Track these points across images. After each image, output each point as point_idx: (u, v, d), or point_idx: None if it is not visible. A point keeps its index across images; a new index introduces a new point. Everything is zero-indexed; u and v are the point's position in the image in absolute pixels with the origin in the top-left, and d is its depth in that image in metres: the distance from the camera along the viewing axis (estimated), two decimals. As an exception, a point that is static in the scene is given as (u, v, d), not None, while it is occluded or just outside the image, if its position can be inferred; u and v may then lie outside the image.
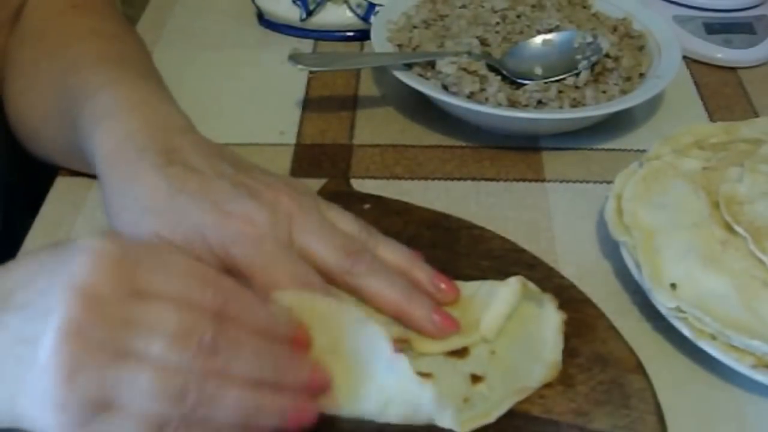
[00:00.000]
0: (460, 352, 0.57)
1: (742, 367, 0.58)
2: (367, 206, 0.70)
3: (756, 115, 0.87)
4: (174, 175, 0.59)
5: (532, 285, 0.60)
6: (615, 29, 0.89)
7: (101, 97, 0.65)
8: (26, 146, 0.78)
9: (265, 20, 1.00)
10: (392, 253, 0.60)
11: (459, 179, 0.77)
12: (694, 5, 0.98)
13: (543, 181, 0.77)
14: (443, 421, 0.52)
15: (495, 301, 0.58)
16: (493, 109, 0.78)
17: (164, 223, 0.58)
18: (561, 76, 0.82)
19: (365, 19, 0.95)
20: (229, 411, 0.47)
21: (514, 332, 0.58)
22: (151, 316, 0.47)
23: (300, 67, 0.82)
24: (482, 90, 0.80)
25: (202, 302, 0.48)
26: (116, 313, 0.46)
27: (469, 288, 0.60)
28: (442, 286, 0.60)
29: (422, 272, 0.60)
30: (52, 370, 0.44)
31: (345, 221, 0.61)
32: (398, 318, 0.57)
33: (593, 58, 0.83)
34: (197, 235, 0.57)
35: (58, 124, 0.71)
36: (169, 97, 0.68)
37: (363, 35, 0.96)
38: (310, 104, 0.88)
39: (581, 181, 0.77)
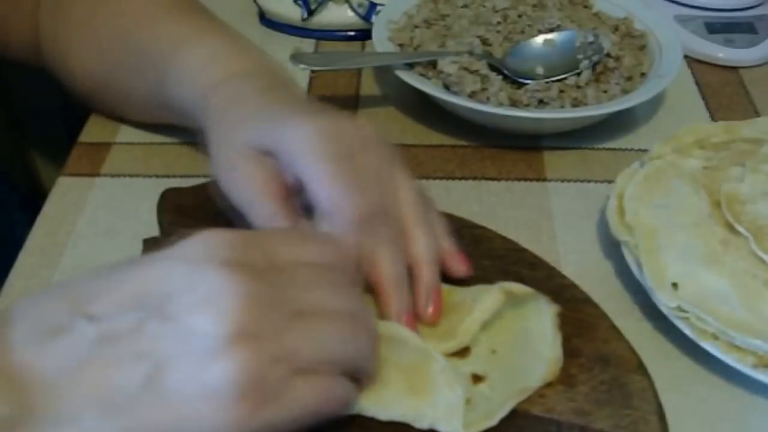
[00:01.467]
0: (461, 353, 0.57)
1: (744, 366, 0.58)
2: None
3: (757, 114, 0.87)
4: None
5: (519, 288, 0.59)
6: (616, 29, 0.89)
7: (200, 44, 0.68)
8: (89, 103, 0.81)
9: (266, 20, 1.00)
10: (422, 237, 0.59)
11: (460, 179, 0.77)
12: (696, 5, 0.98)
13: (544, 180, 0.77)
14: (449, 427, 0.53)
15: (476, 307, 0.57)
16: (495, 108, 0.78)
17: None
18: (562, 76, 0.82)
19: (367, 18, 0.95)
20: None
21: (512, 330, 0.58)
22: (299, 283, 0.48)
23: (301, 66, 0.82)
24: (484, 89, 0.80)
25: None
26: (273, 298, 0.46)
27: (458, 294, 0.60)
28: (429, 310, 0.58)
29: (426, 278, 0.58)
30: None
31: (407, 187, 0.60)
32: (373, 289, 0.57)
33: (594, 58, 0.83)
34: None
35: (129, 76, 0.73)
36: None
37: (364, 35, 0.96)
38: (311, 104, 0.88)
39: (582, 181, 0.77)
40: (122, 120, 0.81)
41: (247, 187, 0.59)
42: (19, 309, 0.46)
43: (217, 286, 0.44)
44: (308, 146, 0.57)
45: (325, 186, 0.56)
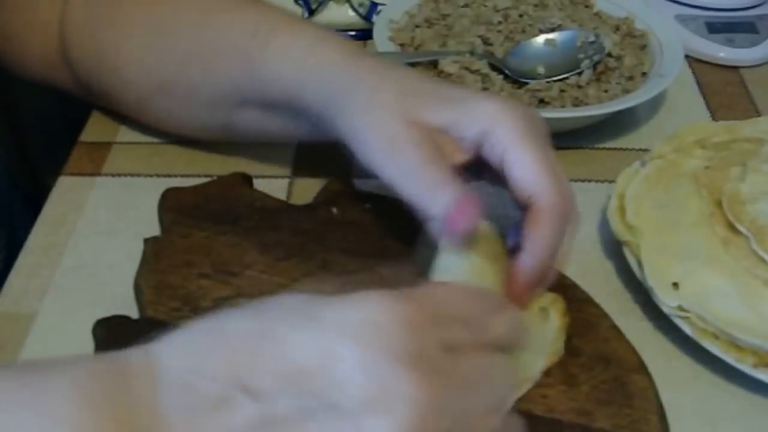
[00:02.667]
0: None
1: (744, 366, 0.58)
2: (368, 206, 0.70)
3: (758, 114, 0.87)
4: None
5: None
6: (617, 28, 0.89)
7: (293, 29, 0.67)
8: (135, 114, 0.78)
9: (267, 19, 1.00)
10: None
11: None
12: (697, 4, 0.98)
13: (545, 180, 0.77)
14: None
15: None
16: (496, 108, 0.78)
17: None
18: (563, 75, 0.82)
19: (367, 18, 0.95)
20: None
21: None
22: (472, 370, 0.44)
23: (302, 66, 0.82)
24: (485, 89, 0.80)
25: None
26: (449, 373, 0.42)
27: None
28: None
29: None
30: None
31: None
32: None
33: (595, 58, 0.83)
34: None
35: (202, 70, 0.70)
36: None
37: (365, 34, 0.96)
38: (312, 103, 0.87)
39: (583, 180, 0.77)
40: (126, 120, 0.81)
41: (413, 154, 0.58)
42: (168, 357, 0.42)
43: (393, 388, 0.40)
44: (517, 130, 0.57)
45: (535, 170, 0.57)
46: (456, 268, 0.54)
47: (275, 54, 0.66)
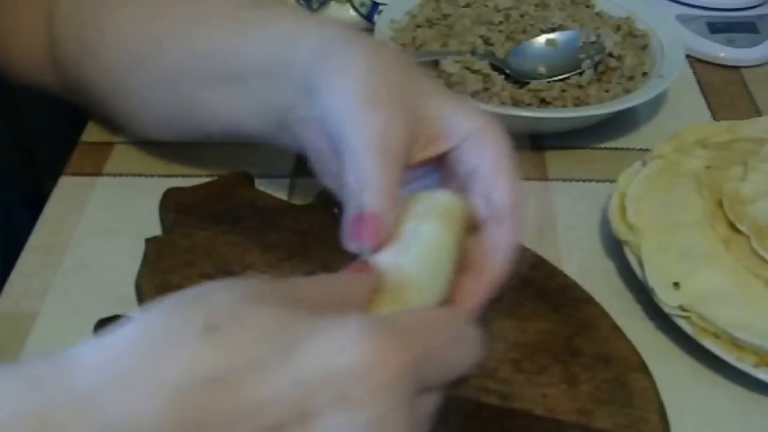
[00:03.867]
0: None
1: (745, 365, 0.58)
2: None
3: (759, 114, 0.87)
4: None
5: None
6: (618, 28, 0.89)
7: (286, 14, 0.65)
8: (110, 106, 0.74)
9: (268, 19, 1.00)
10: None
11: (462, 178, 0.77)
12: (698, 4, 0.98)
13: (546, 180, 0.77)
14: None
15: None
16: (497, 108, 0.78)
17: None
18: (564, 75, 0.82)
19: (369, 18, 0.95)
20: None
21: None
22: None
23: (303, 66, 0.82)
24: (486, 89, 0.80)
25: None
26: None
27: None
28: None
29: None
30: None
31: None
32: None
33: (596, 57, 0.83)
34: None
35: (185, 38, 0.67)
36: None
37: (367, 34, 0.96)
38: (313, 103, 0.88)
39: (584, 180, 0.77)
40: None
41: (378, 130, 0.54)
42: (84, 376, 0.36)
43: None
44: (502, 143, 0.57)
45: (509, 188, 0.55)
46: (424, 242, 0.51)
47: (268, 17, 0.64)
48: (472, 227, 0.54)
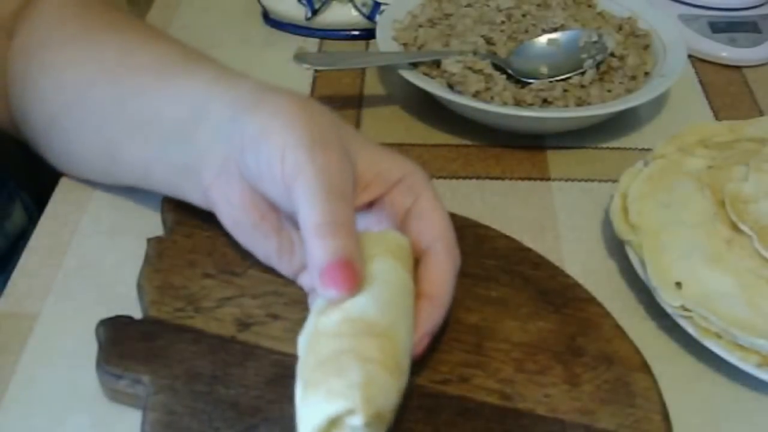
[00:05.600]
0: None
1: (747, 365, 0.58)
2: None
3: (761, 114, 0.87)
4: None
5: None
6: (620, 28, 0.89)
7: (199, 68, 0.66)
8: (40, 146, 0.75)
9: (270, 19, 1.00)
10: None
11: (464, 178, 0.77)
12: (700, 4, 0.98)
13: (548, 179, 0.77)
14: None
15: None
16: (499, 107, 0.78)
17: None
18: (566, 75, 0.82)
19: (370, 18, 0.95)
20: None
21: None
22: None
23: (305, 66, 0.82)
24: (488, 89, 0.80)
25: None
26: None
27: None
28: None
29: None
30: None
31: None
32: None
33: (598, 57, 0.83)
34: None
35: (106, 87, 0.68)
36: None
37: (368, 34, 0.96)
38: (315, 103, 0.88)
39: (586, 180, 0.77)
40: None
41: (330, 171, 0.55)
42: None
43: None
44: (428, 181, 0.61)
45: (443, 221, 0.59)
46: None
47: (191, 70, 0.66)
48: (415, 262, 0.57)
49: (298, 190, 0.54)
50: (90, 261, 0.68)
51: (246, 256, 0.64)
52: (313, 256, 0.52)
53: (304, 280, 0.61)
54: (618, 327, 0.61)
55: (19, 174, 0.88)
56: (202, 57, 0.68)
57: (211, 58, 0.69)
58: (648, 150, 0.74)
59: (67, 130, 0.71)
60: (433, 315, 0.55)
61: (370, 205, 0.60)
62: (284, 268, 0.61)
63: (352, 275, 0.52)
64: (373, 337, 0.50)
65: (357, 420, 0.47)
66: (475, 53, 0.83)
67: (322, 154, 0.55)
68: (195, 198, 0.63)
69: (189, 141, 0.62)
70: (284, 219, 0.60)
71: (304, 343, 0.52)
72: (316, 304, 0.54)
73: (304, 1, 0.95)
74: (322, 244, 0.52)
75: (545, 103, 0.80)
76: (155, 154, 0.65)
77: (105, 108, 0.67)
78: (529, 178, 0.78)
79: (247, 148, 0.57)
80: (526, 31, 0.87)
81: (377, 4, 0.95)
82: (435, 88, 0.80)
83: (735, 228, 0.63)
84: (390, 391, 0.50)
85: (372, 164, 0.59)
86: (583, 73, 0.82)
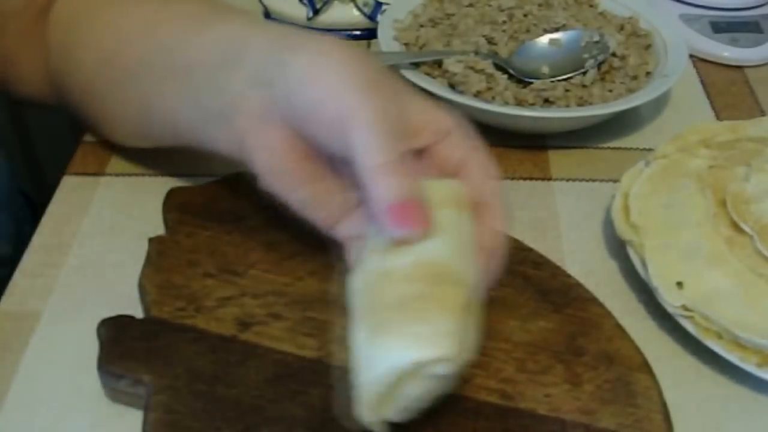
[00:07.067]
0: None
1: (748, 365, 0.58)
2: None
3: (762, 114, 0.87)
4: None
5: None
6: (622, 28, 0.89)
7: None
8: (83, 107, 0.75)
9: (271, 19, 1.00)
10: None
11: (465, 178, 0.77)
12: (701, 4, 0.98)
13: (549, 179, 0.77)
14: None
15: None
16: (500, 107, 0.78)
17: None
18: (568, 75, 0.82)
19: (372, 17, 0.95)
20: None
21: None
22: None
23: (306, 65, 0.82)
24: (489, 89, 0.80)
25: None
26: None
27: None
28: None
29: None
30: None
31: None
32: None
33: (600, 57, 0.83)
34: None
35: (145, 39, 0.67)
36: None
37: (370, 34, 0.96)
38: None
39: (588, 180, 0.77)
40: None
41: (389, 118, 0.53)
42: None
43: None
44: (474, 137, 0.59)
45: (493, 174, 0.58)
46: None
47: (226, 18, 0.64)
48: None
49: (354, 130, 0.51)
50: (91, 260, 0.68)
51: (247, 254, 0.64)
52: (378, 195, 0.50)
53: (342, 231, 0.58)
54: (619, 327, 0.61)
55: (22, 173, 0.88)
56: (237, 9, 0.67)
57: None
58: (649, 150, 0.74)
59: (102, 93, 0.71)
60: (490, 270, 0.54)
61: (417, 156, 0.56)
62: (321, 218, 0.58)
63: (422, 213, 0.50)
64: (450, 285, 0.49)
65: (444, 369, 0.46)
66: (476, 53, 0.83)
67: (377, 94, 0.53)
68: (228, 147, 0.60)
69: (224, 87, 0.59)
70: (323, 166, 0.57)
71: (360, 284, 0.51)
72: (370, 245, 0.52)
73: (306, 1, 0.95)
74: (388, 182, 0.50)
75: (547, 102, 0.80)
76: (188, 105, 0.63)
77: (138, 64, 0.67)
78: (531, 178, 0.78)
79: (292, 89, 0.55)
80: (528, 31, 0.87)
81: (379, 4, 0.95)
82: (436, 87, 0.80)
83: (736, 228, 0.63)
84: (470, 343, 0.49)
85: (422, 112, 0.57)
86: (584, 73, 0.82)
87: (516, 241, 0.67)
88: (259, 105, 0.57)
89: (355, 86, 0.53)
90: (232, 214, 0.68)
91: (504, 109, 0.77)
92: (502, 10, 0.89)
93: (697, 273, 0.61)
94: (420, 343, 0.46)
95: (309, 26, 0.97)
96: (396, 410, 0.49)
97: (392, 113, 0.53)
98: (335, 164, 0.56)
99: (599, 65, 0.83)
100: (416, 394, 0.48)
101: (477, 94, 0.79)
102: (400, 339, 0.47)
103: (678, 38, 0.88)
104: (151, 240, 0.66)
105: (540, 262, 0.66)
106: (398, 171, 0.50)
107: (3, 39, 0.77)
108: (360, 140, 0.51)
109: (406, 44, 0.86)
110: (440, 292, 0.48)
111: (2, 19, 0.76)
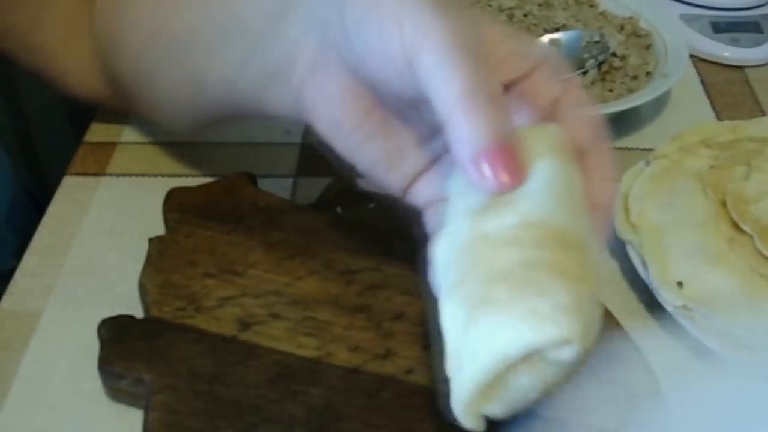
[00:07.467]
0: None
1: (749, 365, 0.58)
2: (372, 205, 0.70)
3: (763, 113, 0.87)
4: None
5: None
6: (622, 28, 0.89)
7: None
8: (133, 85, 0.71)
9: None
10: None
11: (465, 178, 0.77)
12: (701, 4, 0.98)
13: (549, 179, 0.77)
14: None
15: None
16: (500, 107, 0.78)
17: None
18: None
19: (372, 18, 0.95)
20: None
21: None
22: None
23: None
24: (489, 89, 0.80)
25: None
26: None
27: None
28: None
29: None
30: None
31: None
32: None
33: (600, 57, 0.83)
34: None
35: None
36: None
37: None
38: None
39: (588, 180, 0.77)
40: (130, 120, 0.81)
41: (466, 46, 0.44)
42: None
43: None
44: (566, 73, 0.52)
45: (593, 113, 0.51)
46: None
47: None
48: None
49: (426, 57, 0.43)
50: (92, 260, 0.68)
51: (247, 254, 0.64)
52: (463, 136, 0.42)
53: (418, 195, 0.52)
54: (619, 326, 0.61)
55: (22, 174, 0.88)
56: None
57: None
58: (649, 150, 0.74)
59: (152, 72, 0.68)
60: (603, 230, 0.47)
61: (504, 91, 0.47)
62: (393, 179, 0.52)
63: (518, 161, 0.43)
64: (567, 249, 0.41)
65: (569, 353, 0.39)
66: (476, 53, 0.82)
67: (449, 13, 0.44)
68: (284, 107, 0.55)
69: (276, 39, 0.53)
70: (394, 118, 0.51)
71: (449, 254, 0.43)
72: (455, 206, 0.45)
73: (306, 1, 0.95)
74: (474, 119, 0.42)
75: (547, 102, 0.80)
76: (240, 66, 0.58)
77: (187, 34, 0.63)
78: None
79: (350, 25, 0.48)
80: (528, 31, 0.87)
81: (379, 4, 0.94)
82: (436, 87, 0.80)
83: (736, 228, 0.63)
84: (597, 318, 0.42)
85: (504, 38, 0.48)
86: (584, 73, 0.82)
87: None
88: (314, 52, 0.51)
89: (422, 7, 0.44)
90: (231, 215, 0.68)
91: (504, 109, 0.77)
92: (502, 10, 0.89)
93: (698, 273, 0.61)
94: (537, 321, 0.39)
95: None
96: (500, 404, 0.42)
97: (471, 33, 0.44)
98: (407, 117, 0.50)
99: (599, 65, 0.83)
100: (528, 385, 0.41)
101: (477, 94, 0.79)
102: (511, 317, 0.39)
103: (678, 38, 0.88)
104: (151, 240, 0.66)
105: (540, 261, 0.66)
106: (485, 103, 0.42)
107: (39, 30, 0.74)
108: (432, 70, 0.43)
109: (406, 44, 0.86)
110: (559, 259, 0.40)
111: (39, 9, 0.73)
